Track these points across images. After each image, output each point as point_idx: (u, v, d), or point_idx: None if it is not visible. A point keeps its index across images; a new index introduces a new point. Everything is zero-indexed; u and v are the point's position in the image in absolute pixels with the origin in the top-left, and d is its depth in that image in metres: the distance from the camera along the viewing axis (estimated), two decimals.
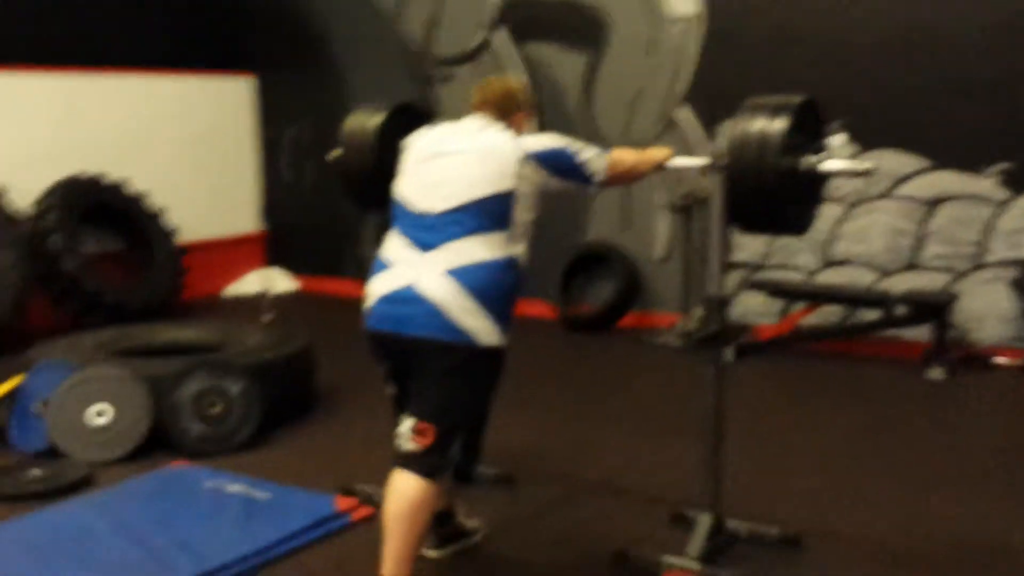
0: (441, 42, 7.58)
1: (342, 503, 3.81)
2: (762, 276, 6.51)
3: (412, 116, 3.96)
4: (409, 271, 2.94)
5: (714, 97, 6.46)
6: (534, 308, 6.92)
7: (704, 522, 3.36)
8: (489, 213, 2.93)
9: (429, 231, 2.95)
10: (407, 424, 2.96)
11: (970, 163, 5.91)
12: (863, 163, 3.16)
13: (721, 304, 3.32)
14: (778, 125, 3.06)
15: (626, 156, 3.26)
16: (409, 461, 2.95)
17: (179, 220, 7.46)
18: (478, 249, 2.91)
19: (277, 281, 8.21)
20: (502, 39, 7.30)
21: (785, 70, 6.25)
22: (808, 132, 3.17)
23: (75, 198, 6.73)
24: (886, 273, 6.21)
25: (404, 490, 2.93)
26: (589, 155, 3.11)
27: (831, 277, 6.36)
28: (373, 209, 5.01)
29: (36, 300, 6.44)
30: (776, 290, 6.34)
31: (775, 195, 3.10)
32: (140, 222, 7.20)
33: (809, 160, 3.12)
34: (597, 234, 7.14)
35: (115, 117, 7.38)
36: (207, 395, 4.43)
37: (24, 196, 6.61)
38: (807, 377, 5.79)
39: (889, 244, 6.19)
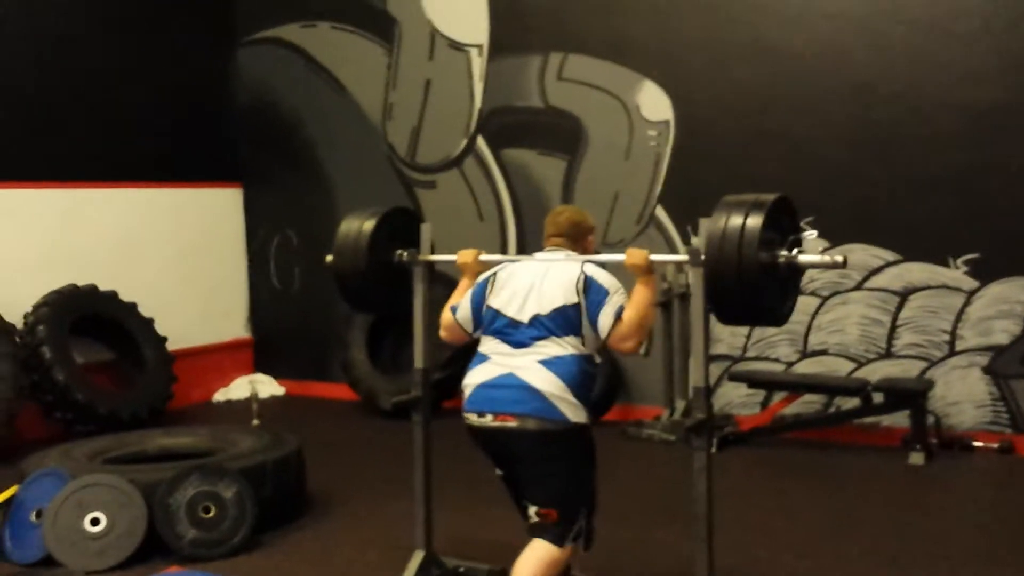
0: (424, 150, 7.82)
1: None
2: (742, 368, 6.65)
3: (402, 220, 4.12)
4: (508, 361, 3.45)
5: (688, 197, 6.67)
6: None
7: None
8: (565, 321, 3.44)
9: (519, 333, 3.48)
10: (532, 510, 3.45)
11: (938, 255, 6.12)
12: (836, 256, 3.30)
13: (707, 393, 3.44)
14: (754, 221, 3.21)
15: (635, 315, 3.42)
16: (539, 530, 3.43)
17: (169, 328, 7.55)
18: (561, 347, 3.43)
19: (264, 386, 8.27)
20: (483, 146, 7.55)
21: (754, 170, 6.48)
22: (782, 228, 3.34)
23: (66, 308, 6.83)
24: (862, 362, 6.36)
25: (537, 547, 3.40)
26: (612, 306, 3.41)
27: (809, 367, 6.51)
28: (367, 310, 5.15)
29: (28, 411, 6.48)
30: (756, 381, 6.46)
31: (754, 288, 3.23)
32: (131, 331, 7.29)
33: (785, 254, 3.28)
34: None
35: (107, 229, 7.52)
36: (201, 499, 4.47)
37: (17, 308, 6.70)
38: (790, 465, 5.88)
39: (864, 334, 6.36)
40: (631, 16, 6.96)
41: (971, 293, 6.07)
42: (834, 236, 6.31)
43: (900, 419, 6.09)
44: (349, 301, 4.11)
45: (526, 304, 3.50)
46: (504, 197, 7.49)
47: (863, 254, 6.29)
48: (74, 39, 7.40)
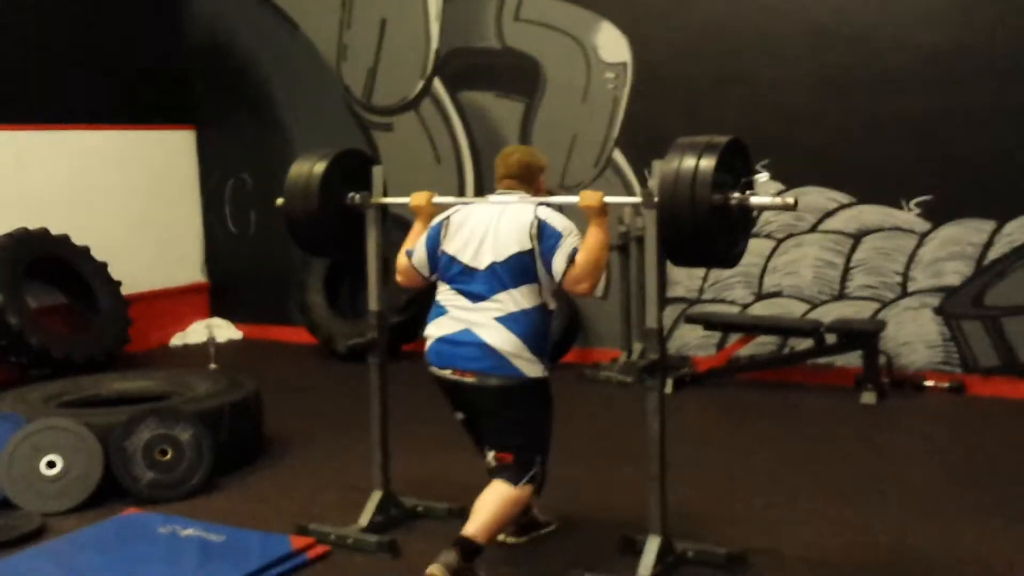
0: (380, 91, 7.74)
1: (297, 542, 3.87)
2: (698, 310, 6.71)
3: (354, 162, 4.09)
4: (465, 316, 3.51)
5: (645, 140, 6.66)
6: None
7: (652, 544, 3.48)
8: (520, 268, 3.47)
9: (476, 284, 3.51)
10: (490, 455, 3.57)
11: (891, 197, 6.18)
12: (787, 198, 3.34)
13: (660, 335, 3.47)
14: (707, 163, 3.23)
15: (588, 257, 3.44)
16: (497, 472, 3.54)
17: (124, 272, 7.47)
18: (517, 302, 3.47)
19: (221, 330, 8.23)
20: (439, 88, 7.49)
21: (711, 112, 6.48)
22: (735, 170, 3.35)
23: (19, 253, 6.73)
24: (816, 304, 6.44)
25: (496, 487, 3.50)
26: (566, 249, 3.43)
27: (764, 309, 6.58)
28: (319, 254, 5.13)
29: None
30: (712, 323, 6.53)
31: (707, 230, 3.26)
32: (85, 275, 7.20)
33: (737, 196, 3.30)
34: None
35: (58, 172, 7.39)
36: (157, 442, 4.47)
37: None
38: (745, 406, 5.97)
39: (818, 276, 6.43)
40: None
41: (923, 235, 6.14)
42: (790, 179, 6.34)
43: (853, 359, 6.19)
44: (301, 245, 4.08)
45: (481, 250, 3.52)
46: (461, 140, 7.45)
47: (817, 196, 6.34)
48: None
